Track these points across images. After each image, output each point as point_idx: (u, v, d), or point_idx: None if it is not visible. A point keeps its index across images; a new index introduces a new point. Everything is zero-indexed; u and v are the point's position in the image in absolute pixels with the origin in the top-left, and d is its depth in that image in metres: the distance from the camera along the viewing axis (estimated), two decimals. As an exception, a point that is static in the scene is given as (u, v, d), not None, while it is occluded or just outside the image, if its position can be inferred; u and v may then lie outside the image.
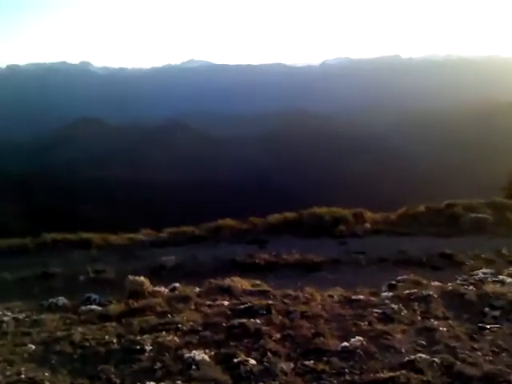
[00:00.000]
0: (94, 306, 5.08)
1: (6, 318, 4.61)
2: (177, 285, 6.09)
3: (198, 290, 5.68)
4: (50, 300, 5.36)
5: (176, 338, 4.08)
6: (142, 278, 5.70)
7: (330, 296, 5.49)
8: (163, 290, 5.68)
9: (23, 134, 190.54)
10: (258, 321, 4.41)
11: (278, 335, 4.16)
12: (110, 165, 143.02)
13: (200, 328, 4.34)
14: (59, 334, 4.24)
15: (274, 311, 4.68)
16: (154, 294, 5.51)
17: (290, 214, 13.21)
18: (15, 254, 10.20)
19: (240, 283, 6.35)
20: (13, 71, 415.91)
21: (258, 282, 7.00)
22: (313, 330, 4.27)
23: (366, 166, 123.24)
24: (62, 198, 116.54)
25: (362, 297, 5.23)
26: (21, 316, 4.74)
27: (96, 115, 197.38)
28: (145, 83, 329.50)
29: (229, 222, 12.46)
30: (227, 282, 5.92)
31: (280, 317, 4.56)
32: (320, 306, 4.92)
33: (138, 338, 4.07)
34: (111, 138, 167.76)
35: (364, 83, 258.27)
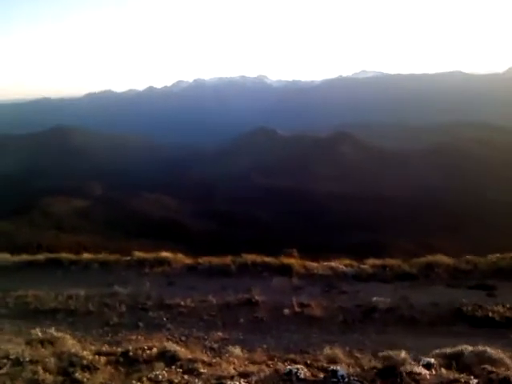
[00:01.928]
0: (346, 390, 3.96)
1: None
2: (431, 361, 4.68)
3: (473, 380, 4.15)
4: (288, 368, 4.40)
5: None
6: (402, 354, 4.44)
7: None
8: (423, 372, 4.30)
9: (205, 141, 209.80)
10: None
11: None
12: (280, 174, 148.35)
13: None
14: None
15: None
16: (413, 378, 4.19)
17: (517, 255, 10.76)
18: (216, 274, 9.94)
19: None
20: (198, 84, 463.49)
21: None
22: None
23: None
24: (236, 202, 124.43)
25: None
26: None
27: (270, 125, 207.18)
28: (316, 95, 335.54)
29: (442, 258, 10.62)
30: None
31: None
32: None
33: None
34: (282, 147, 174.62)
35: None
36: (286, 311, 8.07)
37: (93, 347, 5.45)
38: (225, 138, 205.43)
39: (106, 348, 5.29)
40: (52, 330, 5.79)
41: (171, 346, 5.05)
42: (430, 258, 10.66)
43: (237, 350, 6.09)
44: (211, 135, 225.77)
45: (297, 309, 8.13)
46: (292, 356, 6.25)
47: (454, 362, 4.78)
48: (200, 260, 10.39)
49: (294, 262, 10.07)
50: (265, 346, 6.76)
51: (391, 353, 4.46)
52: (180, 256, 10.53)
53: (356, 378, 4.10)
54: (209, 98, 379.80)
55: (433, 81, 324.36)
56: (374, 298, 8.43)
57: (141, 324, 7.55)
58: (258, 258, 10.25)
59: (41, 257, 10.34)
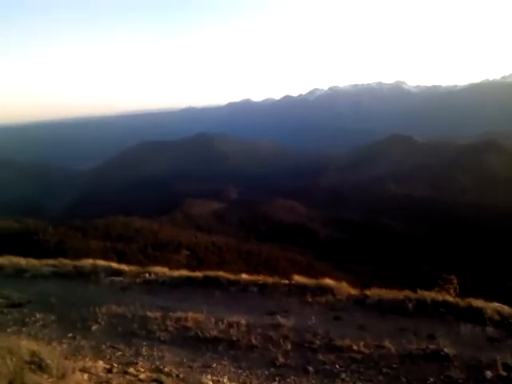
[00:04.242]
0: None
1: None
2: None
3: None
4: None
5: None
6: None
7: None
8: None
9: (340, 148, 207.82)
10: None
11: None
12: (415, 183, 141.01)
13: None
14: None
15: None
16: None
17: None
18: (387, 311, 8.53)
19: None
20: (333, 92, 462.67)
21: None
22: None
23: None
24: (367, 211, 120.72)
25: None
26: None
27: (407, 132, 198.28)
28: (459, 100, 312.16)
29: None
30: None
31: None
32: None
33: None
34: (418, 155, 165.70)
35: None
36: (489, 374, 6.36)
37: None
38: (359, 145, 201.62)
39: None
40: (225, 380, 5.02)
41: None
42: None
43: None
44: (346, 143, 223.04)
45: (502, 372, 6.41)
46: None
47: None
48: (367, 292, 9.09)
49: (485, 305, 8.26)
50: (465, 424, 5.33)
51: None
52: (344, 285, 9.34)
53: None
54: (344, 105, 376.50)
55: None
56: None
57: (310, 369, 6.51)
58: (439, 296, 8.63)
59: (199, 274, 9.95)
